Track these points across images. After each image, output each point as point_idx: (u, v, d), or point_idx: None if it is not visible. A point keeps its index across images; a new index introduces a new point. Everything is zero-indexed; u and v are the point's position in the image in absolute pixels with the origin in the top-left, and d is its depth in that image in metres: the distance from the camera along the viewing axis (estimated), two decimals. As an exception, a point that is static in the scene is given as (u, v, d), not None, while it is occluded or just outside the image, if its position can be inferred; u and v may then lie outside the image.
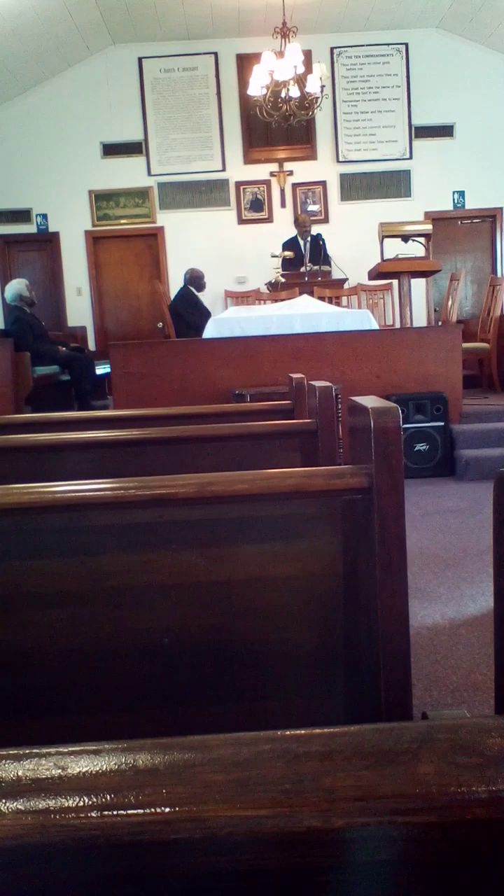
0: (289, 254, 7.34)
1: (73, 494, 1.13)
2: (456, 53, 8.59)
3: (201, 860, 0.45)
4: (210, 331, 5.55)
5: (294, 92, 6.87)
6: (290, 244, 7.71)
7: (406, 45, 8.57)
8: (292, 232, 8.02)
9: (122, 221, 8.79)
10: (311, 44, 8.09)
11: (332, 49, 8.53)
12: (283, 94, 6.90)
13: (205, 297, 7.59)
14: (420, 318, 8.31)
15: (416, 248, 6.14)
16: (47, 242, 8.85)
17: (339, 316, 5.56)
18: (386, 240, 5.99)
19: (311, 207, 8.75)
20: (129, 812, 0.43)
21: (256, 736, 0.48)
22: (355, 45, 8.54)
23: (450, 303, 6.77)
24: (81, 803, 0.43)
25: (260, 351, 5.20)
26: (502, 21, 7.94)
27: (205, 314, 6.96)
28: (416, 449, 5.12)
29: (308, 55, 7.73)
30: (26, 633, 1.21)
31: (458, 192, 8.80)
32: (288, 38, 6.90)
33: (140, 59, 8.53)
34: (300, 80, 6.84)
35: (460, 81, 8.59)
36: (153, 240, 8.86)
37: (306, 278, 7.21)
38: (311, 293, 6.65)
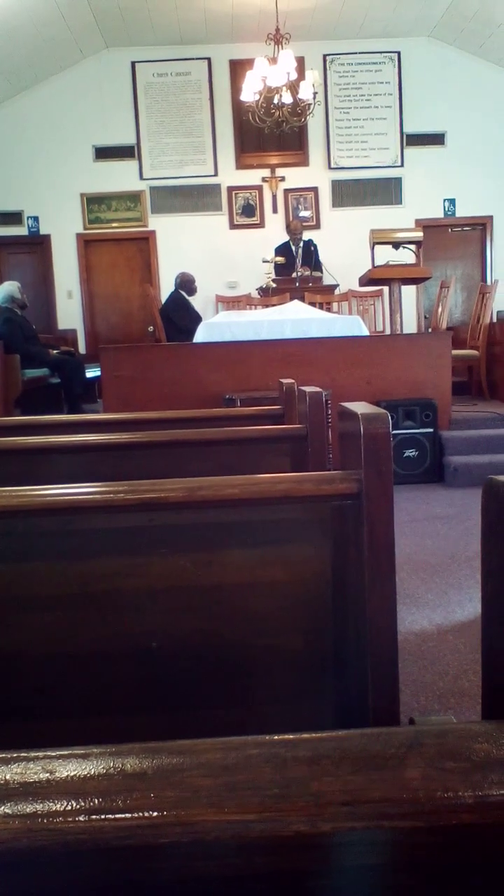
0: (280, 259, 7.36)
1: (63, 498, 1.13)
2: (448, 62, 8.65)
3: (189, 864, 0.45)
4: (201, 335, 5.55)
5: (286, 98, 6.91)
6: (282, 249, 7.73)
7: (398, 53, 8.62)
8: (284, 237, 8.03)
9: (114, 225, 8.79)
10: (304, 50, 8.12)
11: (324, 56, 8.57)
12: (275, 101, 6.92)
13: (196, 302, 7.60)
14: (410, 324, 8.35)
15: (406, 256, 6.17)
16: (38, 245, 8.82)
17: (330, 322, 5.58)
18: (377, 246, 6.02)
19: (303, 213, 8.78)
20: (117, 816, 0.43)
21: (244, 740, 0.48)
22: (348, 52, 8.59)
23: (440, 310, 6.81)
24: (69, 807, 0.43)
25: (250, 356, 5.20)
26: (494, 31, 8.01)
27: (195, 318, 6.97)
28: (405, 455, 5.13)
29: (301, 62, 7.75)
30: (15, 636, 1.20)
31: (448, 200, 8.85)
32: (281, 44, 6.93)
33: (133, 64, 8.54)
34: (293, 87, 6.87)
35: (452, 90, 8.65)
36: (144, 243, 8.85)
37: (297, 283, 7.22)
38: (302, 298, 6.66)
